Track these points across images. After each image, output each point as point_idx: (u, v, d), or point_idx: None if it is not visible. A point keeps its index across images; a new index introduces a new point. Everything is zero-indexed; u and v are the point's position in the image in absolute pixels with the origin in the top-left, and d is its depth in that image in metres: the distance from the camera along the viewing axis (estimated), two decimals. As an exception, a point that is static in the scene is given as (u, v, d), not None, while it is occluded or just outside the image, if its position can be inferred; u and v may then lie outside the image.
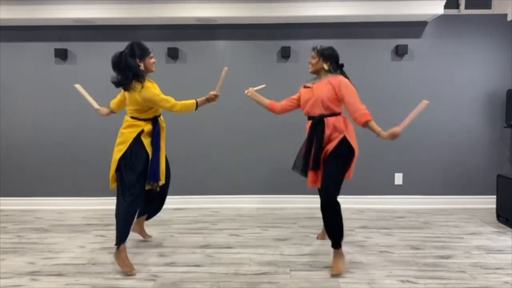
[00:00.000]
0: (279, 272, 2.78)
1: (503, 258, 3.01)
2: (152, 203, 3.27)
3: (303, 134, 4.58)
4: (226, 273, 2.76)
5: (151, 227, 3.84)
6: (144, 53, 2.90)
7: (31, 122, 4.56)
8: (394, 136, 2.68)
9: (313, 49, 2.99)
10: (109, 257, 3.06)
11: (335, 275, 2.72)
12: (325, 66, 2.94)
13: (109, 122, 4.59)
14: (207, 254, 3.12)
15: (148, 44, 4.66)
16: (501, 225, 3.83)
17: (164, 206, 4.54)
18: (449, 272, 2.75)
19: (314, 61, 2.97)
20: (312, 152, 2.91)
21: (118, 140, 3.01)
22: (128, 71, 2.81)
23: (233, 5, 4.17)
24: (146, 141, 2.98)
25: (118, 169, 2.93)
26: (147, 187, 3.00)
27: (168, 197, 4.60)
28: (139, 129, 2.96)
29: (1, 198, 4.62)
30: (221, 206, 4.59)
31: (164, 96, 2.96)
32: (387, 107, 4.49)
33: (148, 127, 3.00)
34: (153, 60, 2.98)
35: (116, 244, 2.84)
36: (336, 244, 2.85)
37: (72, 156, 4.57)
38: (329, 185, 2.84)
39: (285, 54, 4.45)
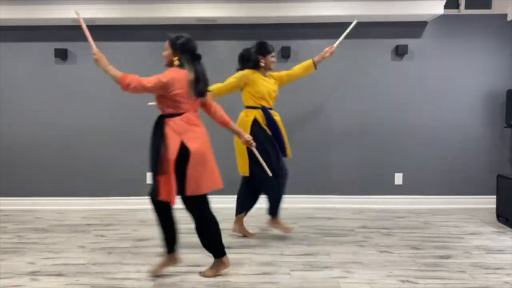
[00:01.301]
0: (279, 272, 2.78)
1: (503, 258, 3.01)
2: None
3: (302, 134, 4.59)
4: (226, 273, 2.76)
5: (151, 227, 3.84)
6: (266, 51, 3.30)
7: (31, 122, 4.55)
8: None
9: (167, 40, 2.76)
10: (109, 257, 3.06)
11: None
12: (175, 60, 2.63)
13: (109, 122, 4.60)
14: (207, 254, 3.10)
15: (148, 44, 4.70)
16: (501, 225, 3.83)
17: (164, 206, 4.57)
18: (449, 272, 2.75)
19: (165, 53, 2.71)
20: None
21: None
22: (248, 63, 3.29)
23: (233, 5, 4.17)
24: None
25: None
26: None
27: (168, 197, 4.64)
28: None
29: (1, 198, 4.62)
30: (221, 206, 4.57)
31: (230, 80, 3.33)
32: (387, 107, 4.50)
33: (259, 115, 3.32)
34: (273, 59, 3.36)
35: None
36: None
37: (72, 156, 4.57)
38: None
39: (285, 54, 4.45)
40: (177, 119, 2.53)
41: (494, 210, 4.03)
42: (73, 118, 4.55)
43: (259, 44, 3.33)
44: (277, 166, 3.25)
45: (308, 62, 3.54)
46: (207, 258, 3.02)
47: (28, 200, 4.59)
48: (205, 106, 2.79)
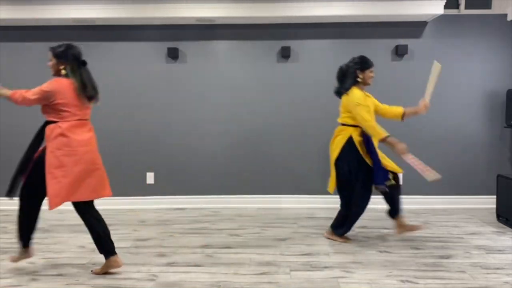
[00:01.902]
0: (279, 272, 2.78)
1: (503, 258, 3.01)
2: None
3: (303, 134, 4.60)
4: (226, 273, 2.76)
5: (151, 227, 3.85)
6: (366, 66, 3.18)
7: (31, 122, 4.53)
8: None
9: (49, 49, 2.70)
10: (109, 257, 3.06)
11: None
12: (61, 69, 2.64)
13: (108, 122, 4.60)
14: (207, 254, 3.12)
15: (148, 44, 4.70)
16: (501, 225, 3.83)
17: (164, 206, 4.59)
18: (449, 272, 2.75)
19: (50, 63, 2.68)
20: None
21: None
22: (346, 79, 3.18)
23: (233, 5, 4.17)
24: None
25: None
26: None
27: (168, 197, 4.65)
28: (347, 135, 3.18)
29: (1, 198, 4.61)
30: (221, 206, 4.59)
31: (362, 111, 3.07)
32: (387, 107, 4.49)
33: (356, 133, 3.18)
34: (372, 74, 3.22)
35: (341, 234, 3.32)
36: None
37: (72, 156, 4.57)
38: None
39: (285, 54, 4.45)
40: (52, 126, 2.62)
41: (494, 210, 4.03)
42: (73, 118, 4.54)
43: (358, 58, 3.20)
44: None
45: (399, 111, 3.34)
46: (207, 258, 3.03)
47: (28, 200, 4.59)
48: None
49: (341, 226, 3.36)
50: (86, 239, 3.50)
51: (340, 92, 3.26)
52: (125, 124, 4.56)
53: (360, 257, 3.04)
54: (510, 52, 4.44)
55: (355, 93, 3.14)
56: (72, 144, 2.59)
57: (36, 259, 3.03)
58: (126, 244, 3.35)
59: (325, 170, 4.58)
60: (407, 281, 2.62)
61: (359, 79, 3.18)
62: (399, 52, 4.40)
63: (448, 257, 3.03)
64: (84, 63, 2.72)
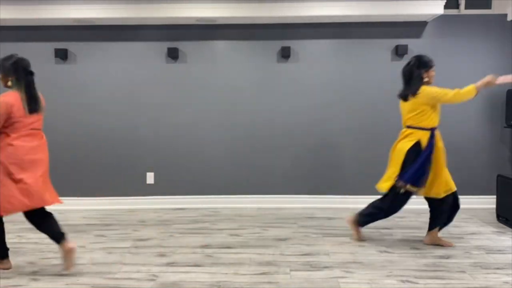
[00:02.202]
0: (279, 272, 2.78)
1: (503, 258, 3.01)
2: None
3: (303, 134, 4.59)
4: (226, 273, 2.76)
5: (151, 227, 3.85)
6: (429, 65, 3.11)
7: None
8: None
9: None
10: (109, 257, 3.06)
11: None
12: (9, 82, 2.66)
13: (109, 122, 4.60)
14: (207, 254, 3.12)
15: (148, 44, 4.70)
16: (501, 225, 3.83)
17: (164, 206, 4.58)
18: (449, 272, 2.75)
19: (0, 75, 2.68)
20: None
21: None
22: (412, 81, 3.11)
23: (233, 5, 4.17)
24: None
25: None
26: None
27: (168, 197, 4.65)
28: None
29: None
30: (221, 206, 4.59)
31: (440, 93, 3.06)
32: (387, 107, 4.49)
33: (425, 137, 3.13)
34: (434, 72, 3.16)
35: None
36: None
37: (72, 156, 4.57)
38: None
39: (285, 54, 4.45)
40: (2, 136, 2.62)
41: (494, 210, 4.03)
42: (73, 118, 4.55)
43: (418, 60, 3.13)
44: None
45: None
46: (207, 258, 3.03)
47: (28, 200, 4.59)
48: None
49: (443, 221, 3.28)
50: (86, 239, 3.51)
51: (407, 95, 3.20)
52: (125, 124, 4.56)
53: (360, 257, 3.04)
54: (510, 52, 4.44)
55: (426, 89, 3.09)
56: (23, 154, 2.62)
57: (36, 259, 3.03)
58: (126, 244, 3.35)
59: (326, 170, 4.59)
60: (407, 281, 2.62)
61: (425, 80, 3.13)
62: (399, 52, 4.40)
63: (448, 257, 3.03)
64: (31, 74, 2.75)
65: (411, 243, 3.33)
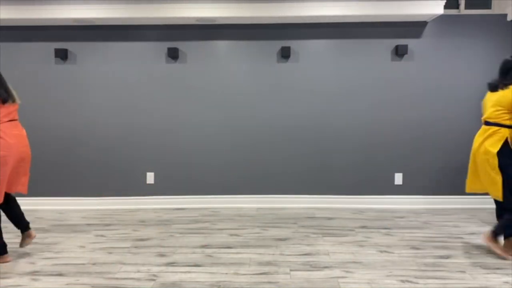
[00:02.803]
0: (279, 272, 2.78)
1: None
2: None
3: (303, 134, 4.60)
4: (226, 273, 2.76)
5: (151, 227, 3.85)
6: None
7: (31, 122, 4.54)
8: None
9: None
10: (109, 257, 3.06)
11: None
12: None
13: (109, 122, 4.60)
14: (207, 254, 3.12)
15: (148, 44, 4.69)
16: (501, 225, 3.83)
17: (164, 206, 4.59)
18: (449, 272, 2.75)
19: None
20: None
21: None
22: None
23: (233, 5, 4.17)
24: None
25: None
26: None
27: (168, 197, 4.65)
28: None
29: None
30: (221, 206, 4.59)
31: None
32: (387, 107, 4.50)
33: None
34: None
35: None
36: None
37: (72, 156, 4.57)
38: None
39: (285, 54, 4.45)
40: None
41: (494, 210, 4.02)
42: (73, 118, 4.55)
43: None
44: None
45: None
46: (207, 258, 3.03)
47: (28, 200, 4.58)
48: None
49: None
50: (86, 239, 3.51)
51: (497, 86, 3.06)
52: (125, 124, 4.56)
53: (360, 257, 3.04)
54: (510, 52, 4.43)
55: None
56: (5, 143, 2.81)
57: (36, 259, 3.03)
58: (126, 244, 3.35)
59: (326, 170, 4.60)
60: (407, 281, 2.62)
61: None
62: (399, 52, 4.40)
63: (448, 257, 3.03)
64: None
65: (411, 243, 3.33)
